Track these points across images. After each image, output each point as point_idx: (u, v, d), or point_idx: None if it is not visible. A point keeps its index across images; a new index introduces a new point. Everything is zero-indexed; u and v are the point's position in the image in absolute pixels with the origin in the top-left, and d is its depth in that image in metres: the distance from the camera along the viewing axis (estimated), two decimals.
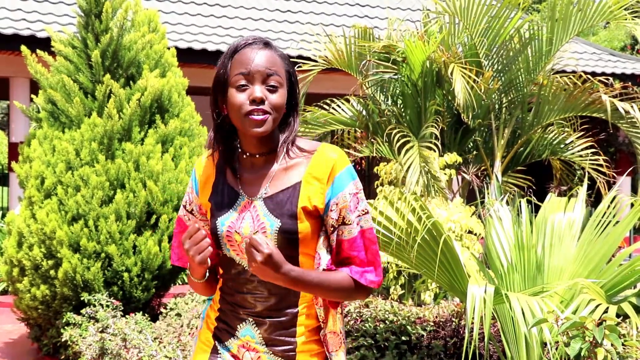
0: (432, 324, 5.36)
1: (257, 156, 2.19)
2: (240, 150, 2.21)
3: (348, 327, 5.19)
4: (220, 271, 2.29)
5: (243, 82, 2.10)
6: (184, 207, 2.32)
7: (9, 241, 6.48)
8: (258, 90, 2.09)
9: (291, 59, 2.28)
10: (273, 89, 2.11)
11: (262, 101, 2.09)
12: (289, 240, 2.14)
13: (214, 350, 2.29)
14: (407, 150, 7.16)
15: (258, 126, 2.10)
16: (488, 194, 7.54)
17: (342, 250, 2.18)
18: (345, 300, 2.23)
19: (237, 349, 2.24)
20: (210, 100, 2.19)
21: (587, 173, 6.75)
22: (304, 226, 2.15)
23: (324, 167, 2.16)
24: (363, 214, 2.19)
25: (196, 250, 2.10)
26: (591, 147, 8.15)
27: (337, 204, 2.16)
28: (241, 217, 2.17)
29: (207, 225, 2.26)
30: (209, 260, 2.13)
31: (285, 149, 2.18)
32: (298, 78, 2.24)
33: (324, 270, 2.16)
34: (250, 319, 2.21)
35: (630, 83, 9.00)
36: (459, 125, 8.27)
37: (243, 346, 2.23)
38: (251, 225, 2.16)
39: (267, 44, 2.15)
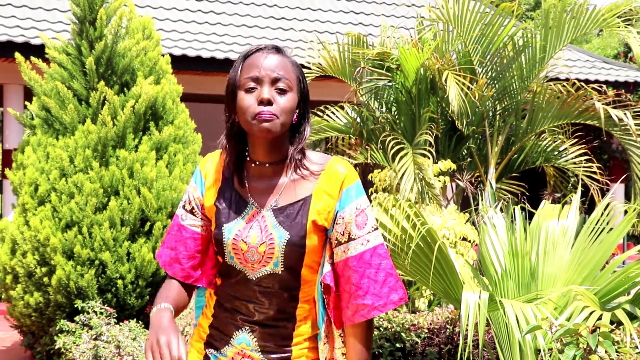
0: (426, 330, 5.35)
1: (267, 165, 2.17)
2: (249, 158, 2.19)
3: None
4: (218, 281, 2.27)
5: (252, 84, 2.10)
6: (183, 207, 2.27)
7: (2, 248, 6.46)
8: (266, 92, 2.08)
9: None
10: (282, 92, 2.10)
11: (269, 102, 2.08)
12: (295, 253, 2.13)
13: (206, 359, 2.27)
14: (401, 157, 7.17)
15: (265, 126, 2.07)
16: (482, 201, 7.55)
17: (349, 268, 2.17)
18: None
19: (232, 356, 2.23)
20: (224, 106, 2.19)
21: (580, 180, 6.77)
22: (312, 240, 2.15)
23: (335, 181, 2.16)
24: (373, 230, 2.18)
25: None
26: (585, 154, 8.17)
27: (343, 218, 2.16)
28: (249, 227, 2.16)
29: (205, 226, 2.24)
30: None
31: (294, 161, 2.16)
32: None
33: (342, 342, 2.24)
34: (247, 327, 2.20)
35: (623, 90, 9.03)
36: (453, 132, 8.28)
37: (239, 353, 2.22)
38: (259, 236, 2.15)
39: (278, 50, 2.15)
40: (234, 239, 2.16)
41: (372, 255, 2.16)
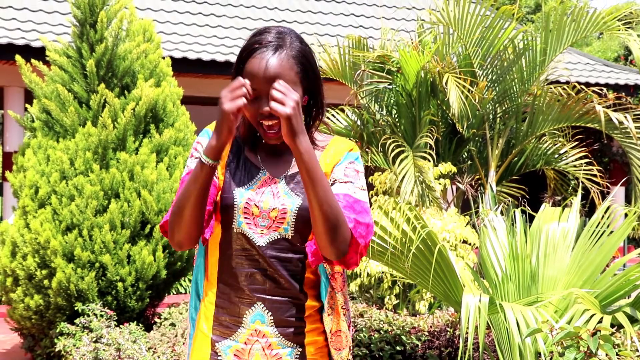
0: (426, 333, 5.35)
1: (280, 144, 2.22)
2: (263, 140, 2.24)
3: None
4: (216, 275, 2.24)
5: (252, 94, 2.11)
6: (190, 161, 2.26)
7: (2, 251, 6.46)
8: (265, 105, 2.10)
9: None
10: None
11: (271, 115, 2.11)
12: (306, 219, 2.16)
13: (214, 354, 2.23)
14: (401, 160, 7.17)
15: (271, 139, 2.16)
16: (482, 203, 7.55)
17: None
18: (329, 232, 2.07)
19: (245, 340, 2.20)
20: None
21: (581, 183, 6.77)
22: None
23: (339, 151, 2.23)
24: (360, 189, 2.19)
25: (230, 96, 2.04)
26: (585, 157, 8.17)
27: (335, 171, 2.21)
28: (261, 192, 2.20)
29: (216, 180, 2.22)
30: (235, 129, 2.06)
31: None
32: None
33: None
34: (259, 302, 2.19)
35: (623, 93, 9.04)
36: (453, 135, 8.29)
37: (252, 334, 2.19)
38: (271, 202, 2.18)
39: (278, 47, 2.13)
40: (246, 202, 2.19)
41: (355, 201, 2.16)
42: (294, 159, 2.21)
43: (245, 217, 2.19)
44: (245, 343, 2.20)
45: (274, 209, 2.17)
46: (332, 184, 2.18)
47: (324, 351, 2.26)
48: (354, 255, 2.13)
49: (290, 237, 2.18)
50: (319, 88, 2.22)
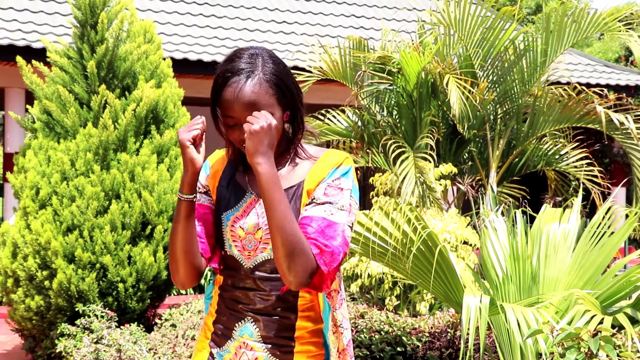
0: (427, 334, 5.35)
1: None
2: None
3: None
4: (220, 279, 2.29)
5: (230, 122, 2.14)
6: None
7: (3, 252, 6.47)
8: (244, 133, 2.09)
9: None
10: None
11: None
12: None
13: (211, 358, 2.28)
14: (402, 161, 7.17)
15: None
16: (483, 204, 7.55)
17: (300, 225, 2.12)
18: (285, 260, 2.02)
19: (234, 351, 2.23)
20: (211, 112, 2.22)
21: (582, 184, 6.77)
22: None
23: (327, 165, 2.18)
24: (340, 209, 2.13)
25: (186, 129, 2.14)
26: (586, 158, 8.17)
27: (318, 186, 2.16)
28: (246, 214, 2.21)
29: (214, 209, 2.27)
30: (198, 157, 2.11)
31: (292, 152, 2.22)
32: None
33: None
34: (249, 317, 2.21)
35: (624, 94, 9.04)
36: (454, 136, 8.29)
37: (240, 347, 2.22)
38: (255, 222, 2.19)
39: (250, 73, 2.10)
40: (232, 225, 2.21)
41: (327, 225, 2.10)
42: (281, 175, 2.20)
43: (234, 240, 2.22)
44: (235, 354, 2.23)
45: (258, 229, 2.18)
46: (309, 203, 2.14)
47: None
48: (321, 283, 2.13)
49: None
50: (297, 104, 2.19)
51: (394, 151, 7.33)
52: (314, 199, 2.14)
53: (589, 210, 10.28)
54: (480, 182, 8.33)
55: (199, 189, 2.29)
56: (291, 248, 2.02)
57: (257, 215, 2.19)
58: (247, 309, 2.22)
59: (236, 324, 2.23)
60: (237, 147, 2.21)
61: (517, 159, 8.39)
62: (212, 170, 2.31)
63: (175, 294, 9.35)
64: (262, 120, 2.02)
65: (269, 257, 2.18)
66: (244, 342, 2.22)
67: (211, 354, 2.28)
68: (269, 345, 2.20)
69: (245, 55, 2.14)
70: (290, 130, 2.24)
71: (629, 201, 14.84)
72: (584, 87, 7.99)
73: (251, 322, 2.21)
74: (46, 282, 6.14)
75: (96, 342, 5.53)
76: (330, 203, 2.13)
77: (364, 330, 5.29)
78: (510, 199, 8.09)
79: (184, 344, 5.38)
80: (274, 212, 2.03)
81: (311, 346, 2.22)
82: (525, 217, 4.46)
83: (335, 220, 2.12)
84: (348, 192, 2.17)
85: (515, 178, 8.48)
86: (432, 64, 7.64)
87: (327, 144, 8.50)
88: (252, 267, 2.20)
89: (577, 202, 4.40)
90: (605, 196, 8.53)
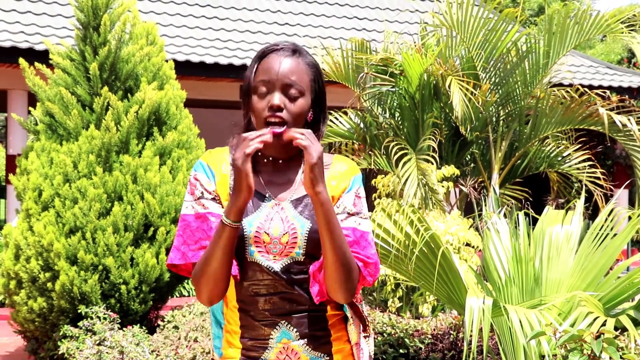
0: (430, 336, 5.35)
1: (280, 162, 2.23)
2: (260, 154, 2.22)
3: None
4: (235, 302, 2.24)
5: (264, 89, 2.14)
6: (199, 199, 2.22)
7: (6, 254, 6.47)
8: (276, 98, 2.12)
9: None
10: (293, 99, 2.15)
11: (279, 109, 2.12)
12: (316, 241, 2.16)
13: None
14: (404, 163, 7.17)
15: (271, 150, 2.18)
16: (486, 206, 7.54)
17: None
18: (344, 280, 2.11)
19: (275, 356, 2.21)
20: (242, 103, 2.25)
21: (584, 186, 6.77)
22: None
23: (346, 175, 2.24)
24: (364, 218, 2.22)
25: (241, 150, 2.03)
26: (588, 159, 8.16)
27: (343, 201, 2.22)
28: (269, 218, 2.19)
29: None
30: (253, 184, 2.06)
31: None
32: None
33: None
34: (283, 321, 2.20)
35: (627, 96, 9.03)
36: (456, 137, 8.28)
37: (281, 352, 2.21)
38: (281, 227, 2.17)
39: (295, 51, 2.19)
40: (256, 231, 2.18)
41: (361, 235, 2.19)
42: (297, 180, 2.22)
43: (257, 246, 2.18)
44: (277, 359, 2.22)
45: (285, 234, 2.17)
46: (342, 213, 2.19)
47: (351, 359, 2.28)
48: (358, 291, 2.21)
49: (302, 260, 2.18)
50: (323, 104, 2.25)
51: (396, 153, 7.33)
52: (346, 209, 2.20)
53: (592, 212, 10.28)
54: (482, 184, 8.32)
55: (205, 195, 2.22)
56: (349, 267, 2.11)
57: (282, 220, 2.18)
58: (278, 313, 2.20)
59: (272, 332, 2.21)
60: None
61: (519, 161, 8.38)
62: (218, 176, 2.24)
63: (178, 296, 9.35)
64: (317, 150, 2.03)
65: (294, 260, 2.18)
66: (284, 347, 2.20)
67: None
68: (309, 340, 2.21)
69: (289, 43, 2.22)
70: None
71: (631, 203, 14.83)
72: (586, 89, 7.98)
73: (286, 325, 2.20)
74: (49, 284, 6.14)
75: (99, 344, 5.53)
76: (358, 213, 2.21)
77: None
78: (513, 201, 8.08)
79: (187, 346, 5.38)
80: (335, 238, 2.08)
81: (344, 332, 2.26)
82: (527, 219, 4.46)
83: (364, 229, 2.20)
84: (365, 200, 2.25)
85: (517, 180, 8.47)
86: (434, 65, 7.64)
87: (330, 146, 8.50)
88: (278, 270, 2.18)
89: (580, 204, 4.40)
90: (607, 198, 8.52)
